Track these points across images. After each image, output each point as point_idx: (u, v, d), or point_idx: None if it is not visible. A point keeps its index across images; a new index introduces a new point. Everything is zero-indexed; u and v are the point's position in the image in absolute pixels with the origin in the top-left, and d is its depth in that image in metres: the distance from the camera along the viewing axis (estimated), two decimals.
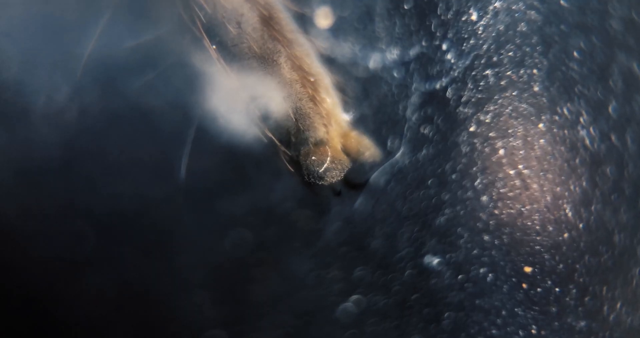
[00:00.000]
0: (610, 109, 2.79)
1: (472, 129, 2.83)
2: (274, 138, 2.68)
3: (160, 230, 2.74)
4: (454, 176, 2.81)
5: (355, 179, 2.77)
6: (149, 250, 2.74)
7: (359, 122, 2.87)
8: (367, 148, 2.80)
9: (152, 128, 2.80)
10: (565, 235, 2.74)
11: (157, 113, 2.78)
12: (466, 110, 2.85)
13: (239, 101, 2.72)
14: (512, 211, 2.77)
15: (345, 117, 2.81)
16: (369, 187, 2.82)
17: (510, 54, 2.89)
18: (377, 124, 2.89)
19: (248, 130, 2.70)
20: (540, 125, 2.83)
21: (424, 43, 2.92)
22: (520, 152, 2.81)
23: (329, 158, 2.68)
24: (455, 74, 2.88)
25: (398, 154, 2.84)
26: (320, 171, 2.64)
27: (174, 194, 2.72)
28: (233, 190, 2.74)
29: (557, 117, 2.82)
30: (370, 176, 2.80)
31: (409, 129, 2.86)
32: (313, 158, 2.68)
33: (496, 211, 2.78)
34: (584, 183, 2.76)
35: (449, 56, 2.90)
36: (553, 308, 2.70)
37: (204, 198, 2.73)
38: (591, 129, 2.78)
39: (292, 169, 2.71)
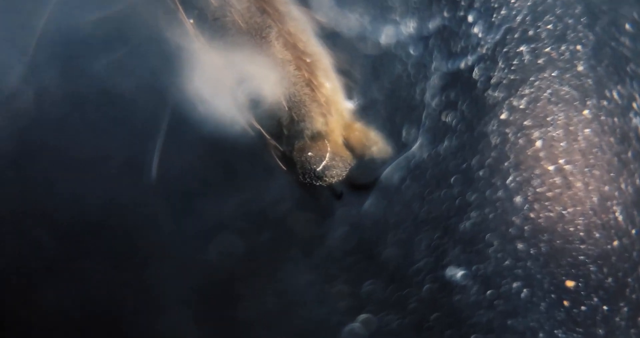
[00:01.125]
0: None
1: (503, 116, 2.37)
2: (262, 130, 2.22)
3: (131, 238, 2.29)
4: (481, 173, 2.35)
5: (361, 179, 2.32)
6: (117, 261, 2.28)
7: (367, 110, 2.41)
8: (375, 142, 2.35)
9: (121, 116, 2.33)
10: (615, 243, 2.29)
11: (127, 98, 2.31)
12: (496, 94, 2.39)
13: (222, 85, 2.26)
14: (551, 214, 2.32)
15: (348, 106, 2.36)
16: (380, 186, 2.36)
17: (549, 27, 2.42)
18: (390, 111, 2.44)
19: (233, 119, 2.24)
20: (585, 112, 2.37)
21: (445, 14, 2.45)
22: (561, 144, 2.35)
23: (328, 154, 2.23)
24: (484, 51, 2.42)
25: (415, 147, 2.38)
26: (318, 169, 2.19)
27: (148, 195, 2.27)
28: (217, 190, 2.28)
29: (605, 103, 2.36)
30: (381, 173, 2.35)
31: (427, 117, 2.40)
32: (309, 154, 2.22)
33: (532, 215, 2.33)
34: (638, 181, 2.30)
35: (475, 30, 2.44)
36: (600, 330, 2.26)
37: (183, 199, 2.28)
38: None
39: (285, 168, 2.26)
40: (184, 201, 2.28)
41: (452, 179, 2.39)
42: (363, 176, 2.37)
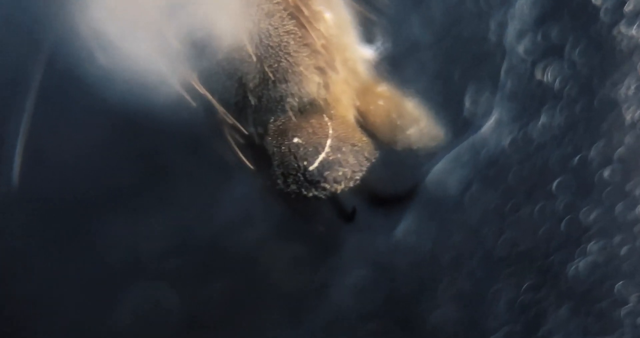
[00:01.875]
0: None
1: None
2: (213, 99, 1.20)
3: None
4: (606, 174, 1.31)
5: (389, 186, 1.29)
6: None
7: (401, 62, 1.36)
8: (415, 119, 1.33)
9: None
10: None
11: None
12: (635, 32, 1.32)
13: (141, 19, 1.19)
14: None
15: (367, 54, 1.34)
16: (422, 197, 1.35)
17: None
18: (441, 63, 1.38)
19: (162, 82, 1.18)
20: None
21: None
22: None
23: (329, 142, 1.20)
24: None
25: (487, 127, 1.34)
26: (312, 168, 1.17)
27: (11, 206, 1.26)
28: (133, 205, 1.25)
29: None
30: (425, 175, 1.31)
31: (509, 73, 1.34)
32: (296, 141, 1.19)
33: None
34: None
35: None
36: None
37: (70, 220, 1.25)
38: None
39: (253, 166, 1.23)
40: (73, 223, 1.25)
41: (555, 185, 1.34)
42: (392, 181, 1.33)
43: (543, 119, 1.39)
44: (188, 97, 1.20)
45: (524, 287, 1.35)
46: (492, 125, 1.38)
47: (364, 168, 1.23)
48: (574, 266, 1.35)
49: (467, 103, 1.38)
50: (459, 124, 1.38)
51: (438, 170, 1.36)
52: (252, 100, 1.23)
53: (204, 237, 1.24)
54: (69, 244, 1.24)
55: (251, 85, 1.22)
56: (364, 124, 1.29)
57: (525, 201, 1.37)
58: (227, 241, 1.26)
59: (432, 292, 1.34)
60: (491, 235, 1.36)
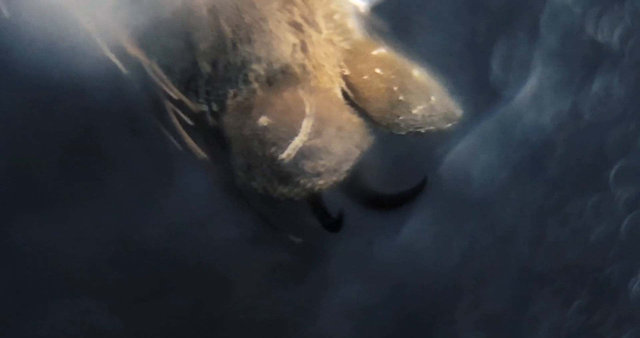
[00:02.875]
0: None
1: None
2: (154, 67, 0.88)
3: None
4: None
5: (388, 183, 0.99)
6: None
7: (405, 17, 1.02)
8: (425, 93, 0.98)
9: None
10: None
11: None
12: None
13: None
14: None
15: (359, 5, 1.00)
16: (434, 191, 1.01)
17: None
18: (459, 13, 1.05)
19: (90, 44, 0.87)
20: None
21: None
22: None
23: (306, 123, 0.88)
24: None
25: (522, 95, 1.01)
26: (283, 157, 0.85)
27: None
28: (62, 201, 0.96)
29: None
30: (440, 162, 1.02)
31: (552, 26, 1.01)
32: (261, 121, 0.88)
33: None
34: None
35: None
36: None
37: None
38: None
39: (207, 155, 0.91)
40: None
41: (613, 174, 1.02)
42: (393, 174, 1.02)
43: (596, 87, 1.05)
44: (120, 64, 0.90)
45: (571, 309, 1.02)
46: (528, 95, 1.05)
47: (354, 158, 0.91)
48: (638, 282, 1.01)
49: (495, 67, 1.05)
50: (484, 94, 1.05)
51: (456, 155, 1.03)
52: (205, 67, 0.91)
53: (145, 244, 0.95)
54: None
55: (203, 47, 0.91)
56: (355, 100, 0.96)
57: (573, 195, 1.04)
58: (176, 250, 0.96)
59: (449, 316, 1.02)
60: (528, 241, 1.03)
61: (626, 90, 1.06)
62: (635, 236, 1.03)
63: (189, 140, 0.92)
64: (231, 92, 0.93)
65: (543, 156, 1.05)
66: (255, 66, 0.93)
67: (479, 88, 1.05)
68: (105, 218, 0.96)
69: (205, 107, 0.93)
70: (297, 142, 0.89)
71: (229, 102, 0.93)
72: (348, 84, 0.97)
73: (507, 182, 1.04)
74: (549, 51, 1.06)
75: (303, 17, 0.95)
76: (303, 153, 0.88)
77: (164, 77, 0.92)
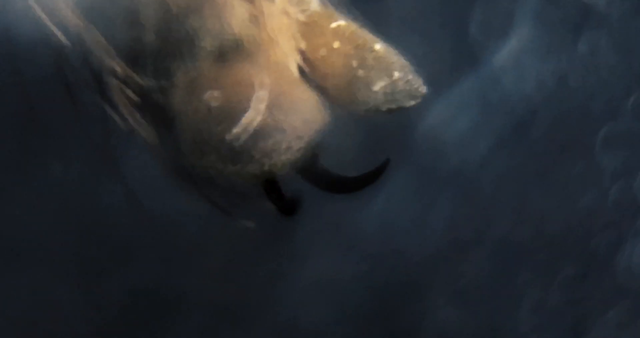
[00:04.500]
0: None
1: None
2: (97, 40, 0.81)
3: None
4: None
5: (350, 163, 0.92)
6: None
7: None
8: (387, 68, 0.91)
9: None
10: None
11: None
12: None
13: None
14: None
15: None
16: (409, 159, 0.95)
17: None
18: None
19: (26, 12, 0.82)
20: None
21: None
22: None
23: (258, 97, 0.83)
24: None
25: (502, 58, 0.96)
26: (232, 135, 0.80)
27: None
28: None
29: None
30: (414, 129, 0.96)
31: None
32: (210, 96, 0.83)
33: None
34: None
35: None
36: None
37: None
38: None
39: (151, 132, 0.86)
40: None
41: (599, 140, 0.97)
42: (356, 151, 0.97)
43: (582, 49, 0.99)
44: (60, 35, 0.85)
45: (556, 282, 0.96)
46: (509, 59, 0.99)
47: (308, 137, 0.86)
48: (626, 254, 0.96)
49: (474, 28, 0.99)
50: (461, 57, 0.99)
51: (432, 122, 0.98)
52: (151, 40, 0.86)
53: (91, 220, 0.91)
54: None
55: (149, 18, 0.86)
56: (312, 76, 0.90)
57: (557, 163, 0.98)
58: (132, 223, 0.91)
59: (425, 290, 0.97)
60: (509, 211, 0.98)
61: (613, 52, 1.00)
62: (623, 205, 0.98)
63: (134, 118, 0.87)
64: (179, 66, 0.88)
65: (524, 122, 0.99)
66: (204, 39, 0.87)
67: (455, 51, 1.00)
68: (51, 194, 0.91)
69: (151, 84, 0.88)
70: (247, 119, 0.84)
71: (177, 77, 0.88)
72: (304, 59, 0.91)
73: (486, 150, 0.98)
74: (531, 11, 1.00)
75: None
76: (255, 131, 0.83)
77: (108, 51, 0.87)
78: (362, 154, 0.96)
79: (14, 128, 0.91)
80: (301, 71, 0.89)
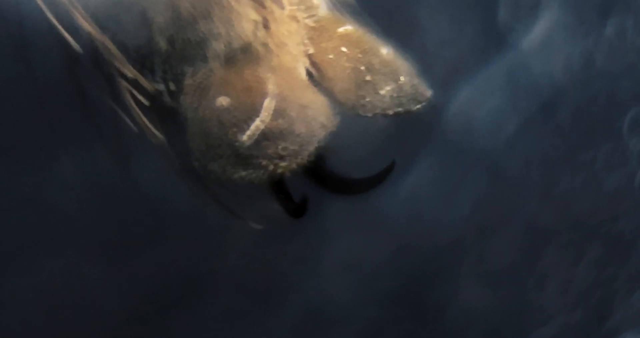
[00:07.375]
0: None
1: None
2: (107, 43, 0.82)
3: None
4: None
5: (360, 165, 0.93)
6: None
7: None
8: (394, 72, 0.91)
9: None
10: None
11: None
12: None
13: None
14: None
15: None
16: (436, 142, 0.95)
17: None
18: None
19: (36, 15, 0.81)
20: None
21: None
22: None
23: (267, 103, 0.82)
24: None
25: (530, 41, 0.95)
26: (243, 139, 0.79)
27: None
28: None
29: None
30: (441, 112, 0.96)
31: None
32: (220, 101, 0.82)
33: None
34: None
35: None
36: None
37: None
38: None
39: (160, 135, 0.85)
40: None
41: (627, 123, 0.98)
42: (366, 154, 0.96)
43: (609, 32, 0.99)
44: (70, 38, 0.84)
45: (581, 264, 0.97)
46: (537, 41, 0.99)
47: (317, 140, 0.85)
48: None
49: (503, 11, 0.99)
50: (490, 39, 0.99)
51: (461, 103, 0.98)
52: (161, 44, 0.86)
53: (124, 207, 0.90)
54: None
55: (159, 23, 0.85)
56: (319, 80, 0.90)
57: (584, 145, 0.98)
58: (163, 204, 0.91)
59: (452, 271, 0.98)
60: (536, 193, 0.98)
61: None
62: None
63: (144, 121, 0.87)
64: (189, 71, 0.87)
65: (552, 104, 0.99)
66: (214, 44, 0.87)
67: (484, 33, 0.99)
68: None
69: (161, 87, 0.87)
70: (258, 123, 0.83)
71: (187, 81, 0.87)
72: (312, 63, 0.90)
73: (514, 131, 0.99)
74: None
75: None
76: (264, 135, 0.83)
77: (119, 54, 0.86)
78: (381, 148, 0.96)
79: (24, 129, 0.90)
80: (309, 74, 0.89)
